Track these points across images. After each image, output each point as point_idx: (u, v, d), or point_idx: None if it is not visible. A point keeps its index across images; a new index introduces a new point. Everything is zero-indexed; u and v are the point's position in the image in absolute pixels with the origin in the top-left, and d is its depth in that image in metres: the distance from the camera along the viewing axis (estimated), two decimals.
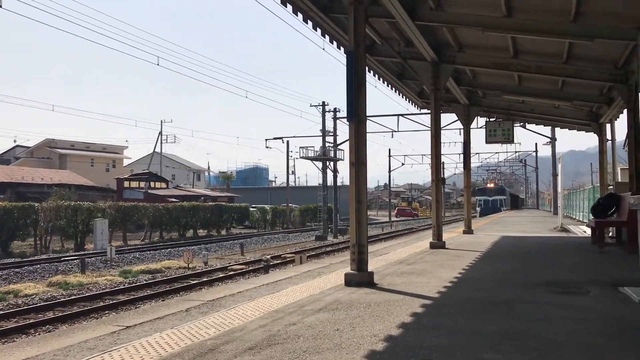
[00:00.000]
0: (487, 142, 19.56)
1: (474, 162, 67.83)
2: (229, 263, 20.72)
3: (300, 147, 42.83)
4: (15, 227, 24.80)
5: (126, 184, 50.79)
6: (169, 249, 26.11)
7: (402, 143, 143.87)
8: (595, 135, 17.10)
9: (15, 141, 70.30)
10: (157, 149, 64.07)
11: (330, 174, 42.32)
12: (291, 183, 61.04)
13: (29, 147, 66.56)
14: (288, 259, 21.49)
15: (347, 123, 7.06)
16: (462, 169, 19.50)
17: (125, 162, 73.87)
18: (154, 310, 5.49)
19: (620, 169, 20.79)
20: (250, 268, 19.02)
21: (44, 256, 23.25)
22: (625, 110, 12.62)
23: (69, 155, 62.87)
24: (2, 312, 11.50)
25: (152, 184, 51.70)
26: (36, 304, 12.53)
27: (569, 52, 10.94)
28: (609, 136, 17.04)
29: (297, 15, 10.08)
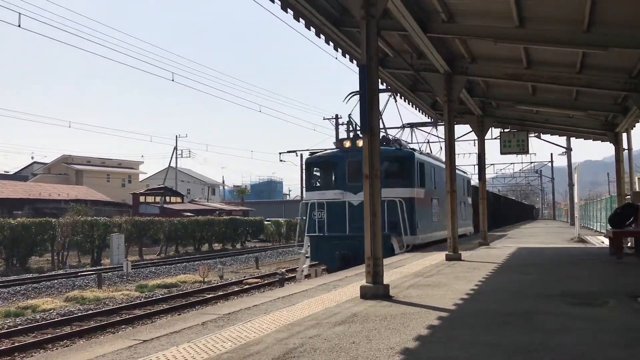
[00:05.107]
0: (501, 153, 19.49)
1: (489, 173, 65.15)
2: (245, 277, 20.74)
3: None
4: (33, 243, 25.02)
5: (142, 198, 51.14)
6: (185, 263, 26.19)
7: None
8: (612, 144, 16.96)
9: (32, 158, 71.38)
10: (172, 164, 64.55)
11: None
12: None
13: (46, 164, 67.40)
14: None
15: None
16: (477, 180, 19.41)
17: (141, 177, 74.45)
18: (170, 324, 5.52)
19: (638, 178, 20.61)
20: (266, 282, 19.01)
21: (61, 271, 23.42)
22: None
23: (85, 171, 63.53)
24: (20, 327, 11.59)
25: (167, 198, 52.00)
26: (54, 318, 12.61)
27: (582, 62, 10.90)
28: (625, 145, 16.90)
29: (310, 30, 10.18)
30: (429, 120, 19.34)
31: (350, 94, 16.95)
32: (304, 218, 15.75)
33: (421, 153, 17.16)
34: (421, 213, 15.46)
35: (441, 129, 24.11)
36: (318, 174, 16.78)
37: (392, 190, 14.32)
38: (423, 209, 15.74)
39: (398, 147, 15.63)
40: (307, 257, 15.14)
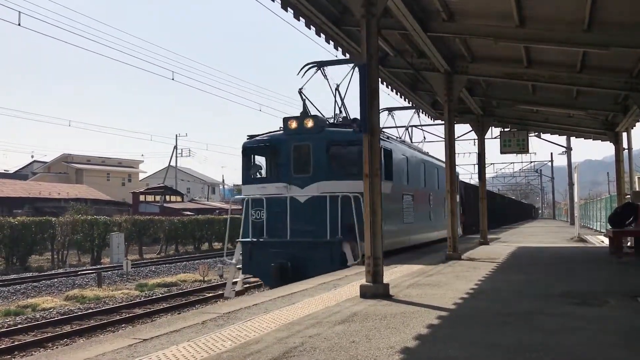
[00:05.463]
0: (501, 152, 19.49)
1: (489, 172, 64.98)
2: (245, 275, 20.72)
3: None
4: (33, 242, 25.02)
5: (142, 197, 51.15)
6: (185, 262, 26.18)
7: None
8: (612, 144, 16.96)
9: (32, 157, 71.36)
10: (172, 163, 64.54)
11: None
12: None
13: (46, 163, 67.41)
14: None
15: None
16: (477, 180, 19.39)
17: (141, 176, 74.47)
18: (170, 323, 5.52)
19: (638, 177, 20.61)
20: None
21: (61, 270, 23.41)
22: None
23: (85, 170, 63.54)
24: (20, 326, 11.59)
25: (167, 197, 51.99)
26: (54, 317, 12.61)
27: (582, 62, 10.90)
28: (625, 145, 16.90)
29: (310, 29, 10.18)
30: (409, 104, 18.25)
31: (306, 65, 13.48)
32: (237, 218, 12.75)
33: (390, 138, 14.13)
34: (387, 212, 11.58)
35: (431, 121, 21.78)
36: (258, 162, 13.35)
37: (347, 183, 11.33)
38: (390, 207, 12.44)
39: (357, 130, 11.68)
40: (239, 269, 12.44)
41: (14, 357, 9.40)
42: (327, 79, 13.53)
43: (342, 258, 10.99)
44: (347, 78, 14.72)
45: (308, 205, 11.75)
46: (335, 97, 13.66)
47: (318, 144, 11.99)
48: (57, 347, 9.61)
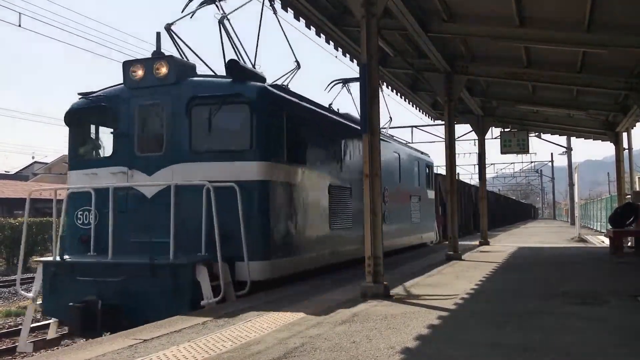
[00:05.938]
0: (502, 152, 19.48)
1: (489, 172, 64.95)
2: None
3: None
4: (33, 243, 25.04)
5: None
6: None
7: None
8: (612, 144, 16.96)
9: (33, 157, 71.37)
10: None
11: None
12: None
13: (46, 164, 67.41)
14: None
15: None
16: (477, 180, 19.38)
17: None
18: (171, 324, 5.52)
19: (638, 177, 20.60)
20: None
21: None
22: None
23: None
24: (21, 327, 11.58)
25: None
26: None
27: (582, 62, 10.90)
28: (625, 145, 16.90)
29: (310, 29, 10.19)
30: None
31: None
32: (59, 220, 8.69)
33: (301, 97, 9.19)
34: (290, 211, 8.19)
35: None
36: (90, 134, 8.88)
37: (220, 166, 7.53)
38: (296, 204, 8.34)
39: (239, 80, 7.89)
40: (40, 305, 7.99)
41: (15, 358, 9.40)
42: (225, 15, 8.76)
43: (195, 292, 6.72)
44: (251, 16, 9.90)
45: (158, 202, 7.59)
46: (221, 36, 8.75)
47: (175, 102, 7.81)
48: (57, 348, 9.59)
